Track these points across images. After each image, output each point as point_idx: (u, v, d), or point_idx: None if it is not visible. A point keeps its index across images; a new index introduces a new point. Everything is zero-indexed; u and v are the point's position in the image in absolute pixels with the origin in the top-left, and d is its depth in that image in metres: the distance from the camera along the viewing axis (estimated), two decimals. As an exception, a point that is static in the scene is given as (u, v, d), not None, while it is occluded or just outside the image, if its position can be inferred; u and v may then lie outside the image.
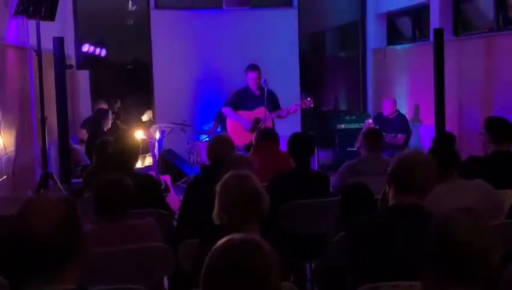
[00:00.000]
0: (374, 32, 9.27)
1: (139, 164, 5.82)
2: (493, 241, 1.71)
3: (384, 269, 2.31)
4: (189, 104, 8.56)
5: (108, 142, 4.30)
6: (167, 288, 3.38)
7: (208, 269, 1.56)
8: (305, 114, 8.52)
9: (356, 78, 9.63)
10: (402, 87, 8.43)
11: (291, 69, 8.66)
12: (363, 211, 2.88)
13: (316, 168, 7.14)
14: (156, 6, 8.62)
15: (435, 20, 7.33)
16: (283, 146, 4.67)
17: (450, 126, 6.50)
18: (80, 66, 8.60)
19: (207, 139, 7.24)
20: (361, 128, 6.83)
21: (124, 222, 2.94)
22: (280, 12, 8.90)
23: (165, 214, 3.65)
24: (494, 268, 1.72)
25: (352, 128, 8.12)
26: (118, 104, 9.44)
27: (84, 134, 7.37)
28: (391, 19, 9.17)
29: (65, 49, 5.65)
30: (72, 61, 7.95)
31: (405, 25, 8.92)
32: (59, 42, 5.48)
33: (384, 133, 5.47)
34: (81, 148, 7.05)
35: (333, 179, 4.42)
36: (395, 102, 7.58)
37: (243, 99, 6.63)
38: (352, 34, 9.72)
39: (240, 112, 6.60)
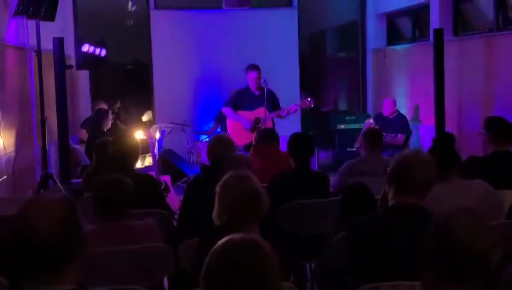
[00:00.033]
0: (374, 33, 9.27)
1: (139, 164, 5.83)
2: (493, 241, 1.71)
3: (384, 269, 2.31)
4: (189, 104, 8.56)
5: (108, 142, 4.30)
6: (167, 288, 3.38)
7: (208, 269, 1.56)
8: (305, 114, 8.52)
9: (356, 78, 9.63)
10: (402, 88, 8.43)
11: (291, 69, 8.66)
12: (363, 211, 2.89)
13: (316, 168, 7.14)
14: (156, 7, 8.62)
15: (434, 20, 7.33)
16: (283, 146, 4.67)
17: (449, 126, 6.51)
18: (79, 66, 8.60)
19: (207, 139, 7.24)
20: (361, 129, 6.83)
21: (124, 222, 2.94)
22: (280, 13, 8.90)
23: (165, 214, 3.64)
24: (494, 268, 1.72)
25: (352, 129, 8.12)
26: (118, 104, 9.45)
27: (84, 134, 7.37)
28: (391, 19, 9.17)
29: (65, 50, 5.65)
30: (72, 61, 7.95)
31: (405, 25, 8.92)
32: (59, 42, 5.49)
33: (384, 133, 5.48)
34: (81, 148, 7.05)
35: (333, 179, 4.42)
36: (395, 102, 7.59)
37: (243, 100, 6.64)
38: (352, 34, 9.72)
39: (240, 112, 6.61)
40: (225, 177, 2.56)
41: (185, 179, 7.21)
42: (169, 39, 8.48)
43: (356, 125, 8.06)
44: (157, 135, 6.69)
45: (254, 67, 6.59)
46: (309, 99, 6.63)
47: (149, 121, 9.22)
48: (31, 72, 6.05)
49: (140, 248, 2.88)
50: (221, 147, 3.93)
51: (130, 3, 10.40)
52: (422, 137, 7.57)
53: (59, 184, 5.36)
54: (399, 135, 7.16)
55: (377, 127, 6.56)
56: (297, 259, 3.74)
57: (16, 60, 5.78)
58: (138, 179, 3.55)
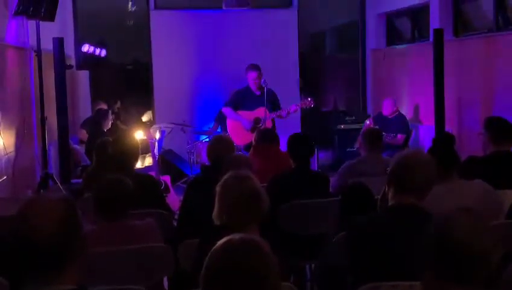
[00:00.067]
0: (374, 33, 9.27)
1: (139, 164, 5.82)
2: (493, 241, 1.71)
3: (384, 269, 2.31)
4: (189, 105, 8.56)
5: (108, 142, 4.30)
6: (167, 288, 3.38)
7: (208, 269, 1.56)
8: (305, 114, 8.52)
9: (356, 79, 9.64)
10: (402, 88, 8.44)
11: (290, 69, 8.66)
12: (363, 211, 2.89)
13: (316, 168, 7.15)
14: (156, 7, 8.62)
15: (434, 21, 7.33)
16: (283, 146, 4.67)
17: (449, 126, 6.51)
18: (79, 67, 8.60)
19: (207, 139, 7.24)
20: (361, 129, 6.83)
21: (124, 222, 2.94)
22: (280, 13, 8.90)
23: (165, 214, 3.65)
24: (494, 268, 1.72)
25: (351, 129, 8.12)
26: (118, 105, 9.45)
27: (84, 134, 7.37)
28: (391, 19, 9.17)
29: (65, 50, 5.66)
30: (72, 61, 7.95)
31: (405, 25, 8.92)
32: (59, 42, 5.49)
33: (384, 133, 5.48)
34: (81, 148, 7.05)
35: (333, 179, 4.42)
36: (394, 102, 7.59)
37: (243, 99, 6.64)
38: (352, 34, 9.72)
39: (240, 112, 6.61)
40: (225, 177, 2.56)
41: (185, 179, 7.21)
42: (169, 39, 8.48)
43: (356, 126, 8.06)
44: (157, 135, 6.69)
45: (254, 67, 6.59)
46: (309, 99, 6.63)
47: (149, 121, 9.22)
48: (31, 72, 6.05)
49: (140, 248, 2.88)
50: (221, 147, 3.93)
51: (130, 3, 10.40)
52: (422, 137, 7.57)
53: (59, 184, 5.36)
54: (399, 135, 7.16)
55: (377, 127, 6.55)
56: (297, 259, 3.74)
57: (16, 60, 5.78)
58: (138, 179, 3.55)
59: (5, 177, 5.10)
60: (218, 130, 7.61)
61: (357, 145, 5.49)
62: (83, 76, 8.67)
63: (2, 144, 5.15)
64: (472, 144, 5.70)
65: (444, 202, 2.80)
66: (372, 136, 4.64)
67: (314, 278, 3.88)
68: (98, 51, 10.01)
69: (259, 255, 1.56)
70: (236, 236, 1.60)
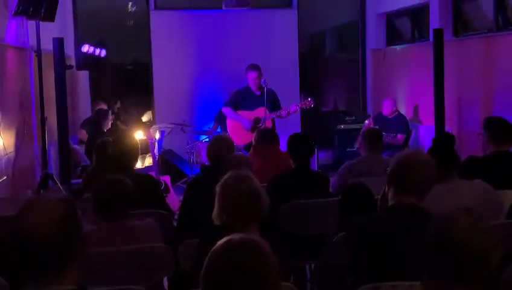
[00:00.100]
0: (374, 33, 9.27)
1: (139, 165, 5.83)
2: (493, 241, 1.71)
3: (384, 269, 2.31)
4: (189, 105, 8.56)
5: (108, 142, 4.30)
6: (167, 288, 3.38)
7: (208, 269, 1.56)
8: (305, 114, 8.52)
9: (356, 79, 9.63)
10: (402, 88, 8.44)
11: (290, 69, 8.66)
12: (363, 211, 2.89)
13: (316, 168, 7.15)
14: (156, 7, 8.62)
15: (434, 21, 7.33)
16: (283, 146, 4.67)
17: (449, 126, 6.51)
18: (79, 67, 8.60)
19: (207, 139, 7.24)
20: (361, 129, 6.83)
21: (124, 222, 2.94)
22: (280, 13, 8.90)
23: (164, 214, 3.65)
24: (494, 268, 1.72)
25: (352, 129, 8.13)
26: (118, 105, 9.46)
27: (84, 134, 7.37)
28: (391, 19, 9.17)
29: (65, 50, 5.66)
30: (72, 61, 7.95)
31: (404, 25, 8.92)
32: (59, 43, 5.49)
33: (384, 133, 5.48)
34: (80, 148, 7.06)
35: (333, 179, 4.42)
36: (394, 102, 7.59)
37: (243, 99, 6.64)
38: (352, 34, 9.72)
39: (240, 112, 6.61)
40: (225, 177, 2.56)
41: (185, 179, 7.21)
42: (169, 39, 8.48)
43: (356, 126, 8.06)
44: (157, 135, 6.69)
45: (254, 67, 6.59)
46: (309, 99, 6.63)
47: (149, 121, 9.22)
48: (31, 73, 6.05)
49: (140, 248, 2.88)
50: (221, 147, 3.93)
51: (130, 3, 10.40)
52: (422, 137, 7.57)
53: (59, 184, 5.36)
54: (399, 135, 7.16)
55: (377, 127, 6.55)
56: (297, 259, 3.74)
57: (16, 60, 5.78)
58: (138, 179, 3.55)
59: (5, 178, 5.10)
60: (218, 130, 7.61)
61: (357, 145, 5.49)
62: (83, 76, 8.68)
63: (2, 144, 5.15)
64: (472, 144, 5.70)
65: (444, 202, 2.80)
66: (372, 136, 4.64)
67: (314, 278, 3.88)
68: (98, 51, 10.01)
69: (259, 255, 1.56)
70: (236, 236, 1.60)
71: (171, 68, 8.47)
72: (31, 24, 5.68)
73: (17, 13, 5.34)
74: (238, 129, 6.57)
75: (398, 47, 8.82)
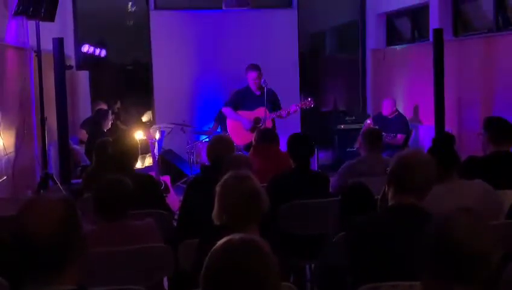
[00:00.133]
0: (374, 33, 9.27)
1: (139, 165, 5.83)
2: (493, 241, 1.71)
3: (384, 269, 2.31)
4: (189, 105, 8.56)
5: (108, 142, 4.30)
6: (167, 288, 3.38)
7: (208, 269, 1.56)
8: (305, 114, 8.52)
9: (355, 79, 9.64)
10: (401, 88, 8.44)
11: (290, 69, 8.66)
12: (363, 211, 2.89)
13: (316, 168, 7.15)
14: (156, 7, 8.62)
15: (434, 21, 7.33)
16: (283, 146, 4.67)
17: (449, 126, 6.51)
18: (79, 67, 8.61)
19: (207, 139, 7.24)
20: (360, 129, 6.83)
21: (124, 222, 2.94)
22: (279, 13, 8.90)
23: (164, 214, 3.65)
24: (494, 268, 1.72)
25: (351, 129, 8.13)
26: (118, 105, 9.46)
27: (83, 134, 7.37)
28: (390, 19, 9.17)
29: (65, 50, 5.66)
30: (72, 61, 7.96)
31: (404, 25, 8.92)
32: (59, 43, 5.49)
33: (383, 133, 5.48)
34: (80, 148, 7.06)
35: (333, 179, 4.42)
36: (394, 102, 7.59)
37: (243, 99, 6.64)
38: (352, 34, 9.72)
39: (240, 112, 6.61)
40: (225, 177, 2.56)
41: (185, 179, 7.21)
42: (169, 39, 8.48)
43: (356, 126, 8.07)
44: (157, 135, 6.69)
45: (254, 67, 6.59)
46: (309, 99, 6.63)
47: (149, 121, 9.22)
48: (31, 73, 6.05)
49: (140, 248, 2.88)
50: (221, 147, 3.93)
51: (130, 3, 10.41)
52: (422, 137, 7.57)
53: (59, 184, 5.36)
54: (399, 135, 7.16)
55: (377, 127, 6.55)
56: (297, 259, 3.74)
57: (15, 60, 5.78)
58: (138, 179, 3.55)
59: (5, 178, 5.10)
60: (218, 130, 7.61)
61: (357, 145, 5.49)
62: (83, 76, 8.67)
63: (2, 144, 5.15)
64: (472, 144, 5.70)
65: (444, 202, 2.80)
66: (372, 136, 4.64)
67: (314, 278, 3.88)
68: (98, 51, 10.02)
69: (259, 255, 1.56)
70: (236, 236, 1.60)
71: (171, 68, 8.47)
72: (31, 24, 5.68)
73: (17, 13, 5.34)
74: (238, 129, 6.57)
75: (398, 47, 8.83)
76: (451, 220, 1.73)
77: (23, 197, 5.11)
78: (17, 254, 1.71)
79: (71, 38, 8.34)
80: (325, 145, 8.63)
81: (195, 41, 8.52)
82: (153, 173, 5.50)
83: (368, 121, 7.38)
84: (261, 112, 6.41)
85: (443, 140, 4.48)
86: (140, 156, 4.78)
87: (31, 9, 5.31)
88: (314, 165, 7.09)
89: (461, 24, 7.30)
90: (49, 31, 5.79)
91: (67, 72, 5.87)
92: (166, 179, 5.98)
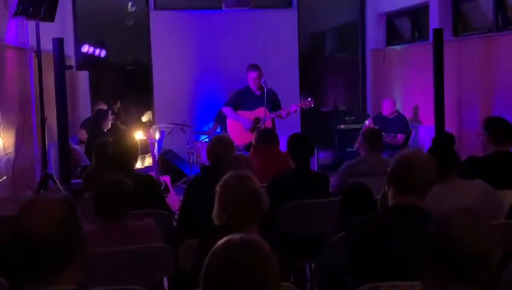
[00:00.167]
0: (374, 33, 9.27)
1: (139, 165, 5.83)
2: (493, 241, 1.71)
3: (384, 269, 2.31)
4: (188, 105, 8.56)
5: (108, 142, 4.30)
6: (167, 288, 3.38)
7: (208, 269, 1.56)
8: (305, 114, 8.52)
9: (355, 79, 9.64)
10: (401, 88, 8.44)
11: (290, 69, 8.66)
12: (363, 211, 2.89)
13: (316, 168, 7.15)
14: (156, 7, 8.62)
15: (434, 21, 7.33)
16: (283, 146, 4.67)
17: (449, 126, 6.51)
18: (79, 67, 8.61)
19: (207, 139, 7.24)
20: (360, 129, 6.84)
21: (124, 223, 2.94)
22: (279, 13, 8.90)
23: (164, 214, 3.65)
24: (494, 268, 1.72)
25: (351, 129, 8.13)
26: (118, 105, 9.46)
27: (83, 135, 7.37)
28: (390, 19, 9.17)
29: (65, 50, 5.66)
30: (72, 62, 7.95)
31: (404, 25, 8.92)
32: (59, 43, 5.49)
33: (383, 134, 5.48)
34: (80, 148, 7.06)
35: (333, 179, 4.42)
36: (394, 102, 7.59)
37: (243, 99, 6.64)
38: (352, 34, 9.72)
39: (240, 112, 6.61)
40: (225, 177, 2.56)
41: (185, 179, 7.21)
42: (169, 40, 8.48)
43: (356, 126, 8.07)
44: (157, 136, 6.69)
45: (254, 67, 6.59)
46: (309, 99, 6.63)
47: (149, 121, 9.23)
48: (31, 73, 6.05)
49: (140, 248, 2.88)
50: (221, 147, 3.93)
51: (130, 3, 10.41)
52: (422, 137, 7.57)
53: (59, 184, 5.37)
54: (399, 135, 7.17)
55: (377, 127, 6.56)
56: (297, 259, 3.74)
57: (15, 60, 5.78)
58: (138, 179, 3.55)
59: (5, 178, 5.10)
60: (218, 130, 7.61)
61: (357, 145, 5.49)
62: (83, 76, 8.67)
63: (2, 144, 5.15)
64: (472, 144, 5.69)
65: (444, 202, 2.80)
66: (372, 136, 4.64)
67: (314, 278, 3.88)
68: (97, 51, 10.02)
69: (259, 255, 1.56)
70: (236, 236, 1.60)
71: (171, 68, 8.47)
72: (31, 24, 5.68)
73: (17, 13, 5.34)
74: (238, 129, 6.57)
75: (398, 47, 8.83)
76: (451, 220, 1.73)
77: (23, 197, 5.11)
78: (17, 254, 1.71)
79: (71, 39, 8.34)
80: (325, 145, 8.63)
81: (195, 41, 8.52)
82: (153, 173, 5.50)
83: (368, 121, 7.38)
84: (261, 112, 6.41)
85: (443, 140, 4.48)
86: (140, 156, 4.78)
87: (31, 9, 5.31)
88: (314, 165, 7.09)
89: (461, 24, 7.30)
90: (49, 31, 5.79)
91: (67, 72, 5.87)
92: (166, 179, 5.98)
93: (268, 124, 6.39)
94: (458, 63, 6.80)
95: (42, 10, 5.40)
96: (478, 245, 1.68)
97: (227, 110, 6.70)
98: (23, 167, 5.62)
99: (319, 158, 7.77)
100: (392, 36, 9.16)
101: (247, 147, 6.11)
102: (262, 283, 1.53)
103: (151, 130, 7.00)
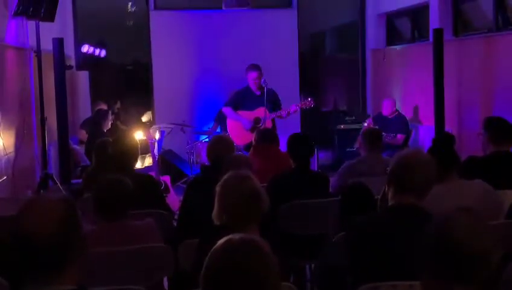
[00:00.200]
0: (374, 33, 9.27)
1: (139, 165, 5.83)
2: (492, 241, 1.71)
3: (384, 269, 2.31)
4: (188, 105, 8.56)
5: (107, 142, 4.30)
6: (167, 288, 3.38)
7: (208, 269, 1.56)
8: (305, 114, 8.52)
9: (355, 79, 9.64)
10: (401, 88, 8.44)
11: (290, 69, 8.66)
12: (363, 211, 2.89)
13: (316, 168, 7.15)
14: (156, 7, 8.62)
15: (434, 21, 7.33)
16: (283, 146, 4.67)
17: (449, 126, 6.51)
18: (79, 67, 8.60)
19: (207, 139, 7.25)
20: (360, 129, 6.84)
21: (124, 222, 2.94)
22: (279, 13, 8.90)
23: (164, 214, 3.65)
24: (494, 268, 1.72)
25: (351, 129, 8.13)
26: (118, 105, 9.46)
27: (83, 135, 7.37)
28: (390, 19, 9.17)
29: (65, 50, 5.66)
30: (72, 62, 7.95)
31: (404, 25, 8.92)
32: (59, 43, 5.49)
33: (383, 133, 5.48)
34: (80, 148, 7.06)
35: (333, 179, 4.42)
36: (394, 102, 7.59)
37: (243, 99, 6.64)
38: (352, 34, 9.72)
39: (240, 112, 6.61)
40: (225, 177, 2.56)
41: (185, 179, 7.21)
42: (169, 40, 8.48)
43: (356, 126, 8.07)
44: (157, 136, 6.69)
45: (254, 67, 6.59)
46: (309, 99, 6.63)
47: (149, 121, 9.22)
48: (31, 73, 6.05)
49: (140, 248, 2.88)
50: (221, 147, 3.93)
51: (130, 3, 10.41)
52: (422, 137, 7.57)
53: (59, 185, 5.36)
54: (398, 135, 7.17)
55: (377, 127, 6.56)
56: (297, 259, 3.74)
57: (15, 60, 5.78)
58: (138, 179, 3.55)
59: (5, 178, 5.10)
60: (218, 130, 7.61)
61: (357, 145, 5.49)
62: (83, 76, 8.68)
63: (2, 144, 5.15)
64: (472, 144, 5.69)
65: (444, 202, 2.80)
66: (372, 136, 4.64)
67: (314, 278, 3.88)
68: (97, 51, 10.02)
69: (259, 255, 1.56)
70: (236, 236, 1.60)
71: (171, 68, 8.47)
72: (31, 24, 5.68)
73: (17, 13, 5.34)
74: (238, 129, 6.57)
75: (398, 47, 8.83)
76: (451, 220, 1.73)
77: (23, 197, 5.11)
78: (17, 254, 1.71)
79: (71, 39, 8.34)
80: (325, 145, 8.63)
81: (195, 41, 8.52)
82: (153, 173, 5.50)
83: (368, 121, 7.38)
84: (261, 112, 6.41)
85: (443, 140, 4.48)
86: (140, 156, 4.78)
87: (31, 9, 5.31)
88: (314, 165, 7.09)
89: (461, 24, 7.30)
90: (49, 31, 5.79)
91: (67, 72, 5.87)
92: (166, 179, 5.98)
93: (269, 124, 6.39)
94: (458, 63, 6.80)
95: (42, 10, 5.40)
96: (478, 245, 1.68)
97: (227, 110, 6.70)
98: (23, 167, 5.62)
99: (319, 158, 7.77)
100: (392, 36, 9.16)
101: (247, 147, 6.11)
102: (262, 283, 1.53)
103: (151, 130, 7.00)
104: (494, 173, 3.67)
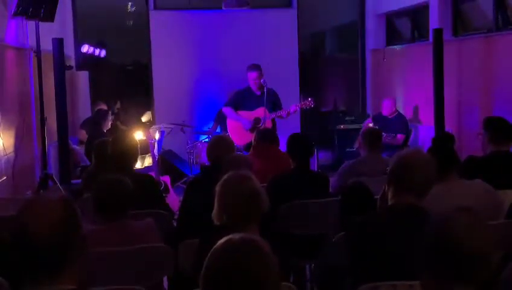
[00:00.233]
0: (373, 33, 9.27)
1: (138, 165, 5.83)
2: (493, 241, 1.71)
3: (384, 269, 2.31)
4: (188, 105, 8.57)
5: (107, 142, 4.30)
6: (167, 288, 3.38)
7: (208, 269, 1.56)
8: (305, 114, 8.52)
9: (355, 79, 9.64)
10: (401, 88, 8.44)
11: (290, 69, 8.66)
12: (363, 211, 2.89)
13: (316, 168, 7.15)
14: (155, 7, 8.63)
15: (434, 20, 7.33)
16: (283, 146, 4.67)
17: (449, 126, 6.51)
18: (79, 67, 8.60)
19: (207, 139, 7.25)
20: (360, 129, 6.84)
21: (124, 223, 2.94)
22: (279, 13, 8.90)
23: (164, 214, 3.64)
24: (494, 268, 1.72)
25: (351, 129, 8.13)
26: (118, 105, 9.47)
27: (83, 135, 7.37)
28: (390, 19, 9.18)
29: (64, 50, 5.65)
30: (72, 62, 7.96)
31: (404, 25, 8.92)
32: (58, 43, 5.48)
33: (383, 134, 5.48)
34: (80, 149, 7.05)
35: (333, 179, 4.42)
36: (394, 102, 7.60)
37: (243, 99, 6.64)
38: (352, 34, 9.73)
39: (240, 112, 6.61)
40: (225, 177, 2.56)
41: (185, 179, 7.21)
42: (169, 40, 8.49)
43: (356, 126, 8.07)
44: (157, 136, 6.69)
45: (255, 67, 6.59)
46: (309, 99, 6.62)
47: (149, 121, 9.22)
48: (31, 73, 6.05)
49: (140, 248, 2.88)
50: (221, 147, 3.93)
51: (130, 3, 10.41)
52: (422, 137, 7.57)
53: (58, 185, 5.36)
54: (398, 135, 7.17)
55: (377, 127, 6.56)
56: (297, 259, 3.74)
57: (15, 60, 5.78)
58: (138, 179, 3.55)
59: (4, 178, 5.10)
60: (218, 130, 7.61)
61: (356, 145, 5.49)
62: (83, 77, 8.68)
63: (2, 144, 5.15)
64: (472, 144, 5.69)
65: (444, 202, 2.80)
66: (371, 136, 4.64)
67: (314, 278, 3.88)
68: (97, 51, 10.02)
69: (259, 255, 1.56)
70: (236, 236, 1.60)
71: (170, 68, 8.48)
72: (31, 24, 5.68)
73: (16, 13, 5.34)
74: (238, 129, 6.57)
75: (397, 47, 8.83)
76: (451, 220, 1.73)
77: (23, 197, 5.10)
78: (17, 254, 1.71)
79: (71, 39, 8.34)
80: (325, 145, 8.63)
81: (195, 41, 8.52)
82: (153, 173, 5.49)
83: (368, 122, 7.38)
84: (261, 112, 6.40)
85: (443, 140, 4.48)
86: (140, 156, 4.78)
87: (31, 9, 5.31)
88: (314, 165, 7.09)
89: (461, 24, 7.30)
90: (48, 31, 5.79)
91: (67, 72, 5.87)
92: (166, 179, 5.98)
93: (269, 124, 6.38)
94: (458, 63, 6.80)
95: (42, 10, 5.39)
96: (478, 245, 1.68)
97: (227, 110, 6.70)
98: (23, 167, 5.62)
99: (319, 158, 7.77)
100: (392, 36, 9.16)
101: (247, 147, 6.11)
102: (262, 283, 1.53)
103: (151, 130, 7.01)
104: (494, 173, 3.67)
